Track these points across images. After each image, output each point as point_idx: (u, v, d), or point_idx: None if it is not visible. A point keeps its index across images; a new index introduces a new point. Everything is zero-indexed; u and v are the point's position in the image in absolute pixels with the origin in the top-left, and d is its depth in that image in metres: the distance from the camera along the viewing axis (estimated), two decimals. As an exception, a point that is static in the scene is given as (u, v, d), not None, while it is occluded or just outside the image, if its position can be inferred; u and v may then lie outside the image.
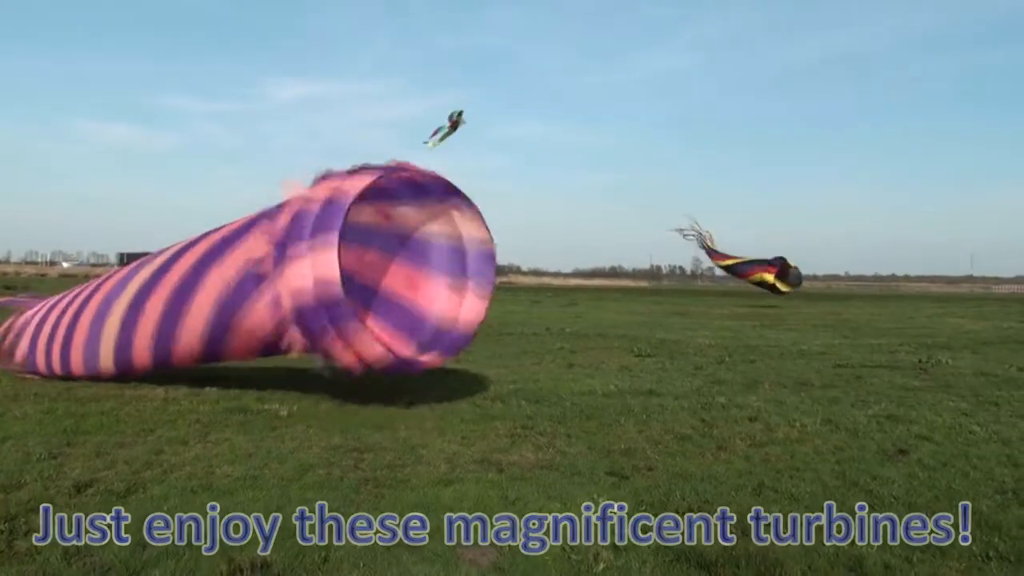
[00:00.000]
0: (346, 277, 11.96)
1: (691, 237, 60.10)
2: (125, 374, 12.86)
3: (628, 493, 7.40)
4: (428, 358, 12.10)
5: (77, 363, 12.99)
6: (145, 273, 12.65)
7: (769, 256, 57.55)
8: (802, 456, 8.96)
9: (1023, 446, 9.66)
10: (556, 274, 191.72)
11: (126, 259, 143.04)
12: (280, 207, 11.39)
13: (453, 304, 12.95)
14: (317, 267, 10.42)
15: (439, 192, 12.55)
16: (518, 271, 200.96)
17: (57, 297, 14.63)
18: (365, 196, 11.63)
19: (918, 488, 7.73)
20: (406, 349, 12.40)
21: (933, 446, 9.59)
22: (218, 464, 8.04)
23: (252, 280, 11.27)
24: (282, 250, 10.79)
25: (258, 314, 11.26)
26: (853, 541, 6.21)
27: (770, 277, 53.42)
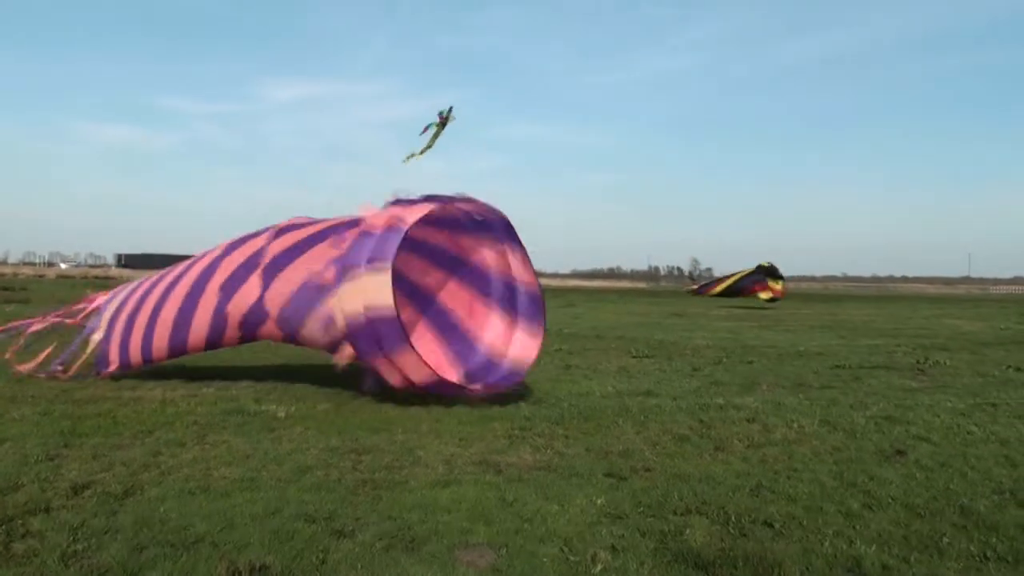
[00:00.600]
0: (411, 286, 13.36)
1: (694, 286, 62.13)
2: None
3: (626, 494, 7.40)
4: (475, 387, 12.28)
5: (160, 348, 13.44)
6: (222, 274, 13.13)
7: (748, 265, 57.08)
8: (800, 457, 8.97)
9: (1021, 447, 9.68)
10: (554, 275, 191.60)
11: (124, 260, 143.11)
12: (350, 225, 12.07)
13: (504, 337, 13.38)
14: (371, 292, 10.97)
15: (497, 229, 13.06)
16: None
17: (129, 292, 14.94)
18: (434, 222, 12.49)
19: (916, 489, 7.74)
20: (453, 375, 12.77)
21: (931, 447, 9.60)
22: (216, 466, 8.03)
23: (315, 291, 11.85)
24: (343, 270, 11.39)
25: (314, 326, 11.89)
26: (851, 541, 6.22)
27: (764, 295, 53.29)
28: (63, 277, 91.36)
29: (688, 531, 6.39)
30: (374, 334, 11.11)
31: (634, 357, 19.01)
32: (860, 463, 8.73)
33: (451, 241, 13.64)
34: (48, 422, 9.90)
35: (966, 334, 29.49)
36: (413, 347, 11.27)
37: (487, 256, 13.50)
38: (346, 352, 11.61)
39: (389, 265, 11.03)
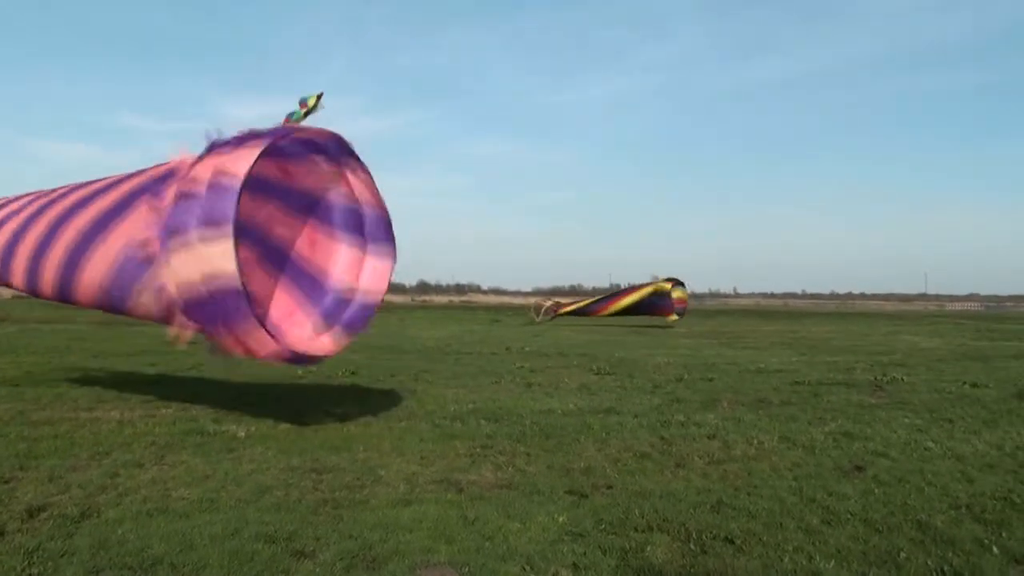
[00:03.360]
0: (246, 227, 11.51)
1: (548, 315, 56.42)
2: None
3: (588, 511, 7.41)
4: (327, 341, 11.67)
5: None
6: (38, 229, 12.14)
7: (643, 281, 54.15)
8: (759, 473, 9.03)
9: (977, 462, 9.79)
10: (516, 292, 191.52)
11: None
12: (165, 179, 10.75)
13: (354, 268, 12.42)
14: (209, 261, 9.71)
15: (332, 150, 11.90)
16: (478, 290, 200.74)
17: None
18: (261, 154, 10.85)
19: (874, 504, 7.81)
20: (306, 322, 11.96)
21: (889, 462, 9.70)
22: (174, 487, 7.95)
23: (137, 265, 10.63)
24: (169, 236, 10.04)
25: (145, 302, 10.77)
26: (811, 557, 6.27)
27: (672, 318, 51.19)
28: (18, 297, 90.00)
29: (649, 548, 6.41)
30: (214, 307, 9.88)
31: (595, 374, 19.04)
32: (819, 479, 8.80)
33: (280, 169, 12.23)
34: (3, 444, 9.75)
35: (923, 350, 29.82)
36: (260, 323, 10.18)
37: (323, 180, 12.29)
38: (184, 329, 10.32)
39: (229, 231, 9.66)
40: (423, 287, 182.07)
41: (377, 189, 12.35)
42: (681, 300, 51.12)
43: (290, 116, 12.45)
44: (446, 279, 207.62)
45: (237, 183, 9.90)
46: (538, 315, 55.16)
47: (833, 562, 6.17)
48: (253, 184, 11.39)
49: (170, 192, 10.34)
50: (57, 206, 12.20)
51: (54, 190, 12.91)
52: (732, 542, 6.60)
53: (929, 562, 6.23)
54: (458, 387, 16.03)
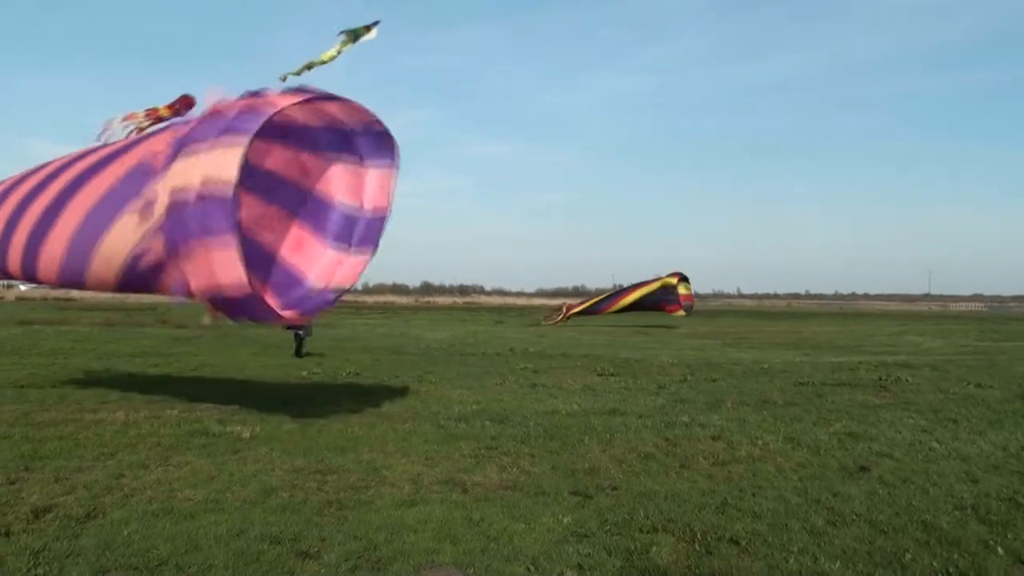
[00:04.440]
0: (243, 228, 11.17)
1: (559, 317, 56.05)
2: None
3: (592, 512, 7.41)
4: (287, 314, 11.60)
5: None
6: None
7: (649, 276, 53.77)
8: (764, 474, 9.02)
9: (982, 462, 9.78)
10: (519, 293, 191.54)
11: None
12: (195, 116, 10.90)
13: (330, 271, 12.42)
14: (213, 166, 9.72)
15: (366, 147, 12.07)
16: (481, 291, 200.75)
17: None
18: (286, 135, 11.23)
19: (879, 505, 7.80)
20: (269, 299, 11.56)
21: (893, 463, 9.69)
22: (179, 488, 7.96)
23: (139, 176, 10.51)
24: (179, 147, 10.11)
25: (132, 216, 10.43)
26: (816, 558, 6.26)
27: (679, 313, 51.02)
28: (23, 299, 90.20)
29: (654, 549, 6.41)
30: (201, 213, 9.68)
31: (600, 375, 19.04)
32: (824, 480, 8.79)
33: (297, 166, 12.36)
34: (8, 445, 9.77)
35: (927, 351, 29.81)
36: (236, 240, 9.82)
37: (333, 179, 12.37)
38: (154, 250, 10.16)
39: (246, 139, 9.76)
40: (426, 288, 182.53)
41: (390, 190, 12.39)
42: (687, 296, 51.05)
43: (349, 34, 12.71)
44: (449, 280, 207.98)
45: (272, 110, 10.16)
46: (548, 319, 55.17)
47: (838, 563, 6.17)
48: (264, 180, 11.95)
49: (197, 119, 10.60)
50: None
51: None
52: (737, 543, 6.60)
53: (934, 563, 6.22)
54: (462, 388, 16.04)
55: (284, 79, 11.85)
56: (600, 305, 53.32)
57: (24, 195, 12.18)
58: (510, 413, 12.77)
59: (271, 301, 11.40)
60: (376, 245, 12.53)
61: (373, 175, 12.34)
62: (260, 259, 12.30)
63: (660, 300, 50.11)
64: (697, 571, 5.98)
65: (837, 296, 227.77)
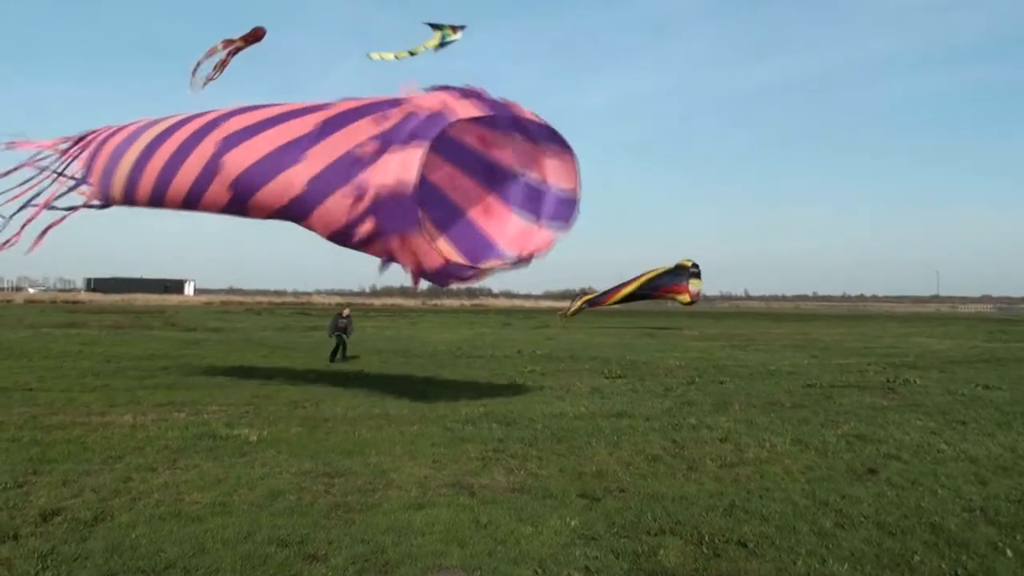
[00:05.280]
0: (437, 191, 13.31)
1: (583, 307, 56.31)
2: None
3: (600, 515, 7.40)
4: (482, 266, 12.63)
5: (144, 187, 12.96)
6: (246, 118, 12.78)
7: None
8: (772, 476, 9.01)
9: (990, 464, 9.76)
10: (527, 296, 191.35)
11: (93, 285, 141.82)
12: (395, 104, 12.07)
13: (520, 241, 13.35)
14: (400, 168, 11.33)
15: (539, 133, 12.98)
16: (489, 294, 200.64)
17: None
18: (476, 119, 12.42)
19: (887, 507, 7.79)
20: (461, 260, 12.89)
21: (901, 465, 9.67)
22: (187, 491, 7.97)
23: (351, 163, 11.82)
24: (385, 145, 11.57)
25: (341, 200, 11.82)
26: (824, 560, 6.25)
27: (683, 297, 50.76)
28: (31, 302, 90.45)
29: (662, 551, 6.41)
30: (395, 208, 11.44)
31: (607, 378, 19.04)
32: (832, 482, 8.78)
33: (482, 141, 13.49)
34: (16, 448, 9.79)
35: (935, 352, 29.75)
36: (422, 227, 11.61)
37: (520, 159, 13.44)
38: (367, 230, 11.74)
39: (425, 145, 11.36)
40: (434, 291, 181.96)
41: (575, 175, 13.36)
42: (696, 294, 50.97)
43: (439, 32, 13.91)
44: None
45: (451, 118, 11.64)
46: (563, 314, 55.52)
47: (847, 565, 6.16)
48: (458, 152, 13.36)
49: (397, 114, 11.89)
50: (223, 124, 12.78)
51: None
52: (745, 545, 6.59)
53: (943, 565, 6.21)
54: (469, 391, 16.05)
55: (373, 57, 14.07)
56: (610, 292, 53.33)
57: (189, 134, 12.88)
58: (517, 416, 12.77)
59: (463, 261, 12.83)
60: (568, 222, 13.36)
61: (552, 156, 13.21)
62: (453, 218, 13.77)
63: (671, 282, 49.85)
64: (705, 574, 5.97)
65: (845, 298, 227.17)
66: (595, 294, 55.81)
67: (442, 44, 14.07)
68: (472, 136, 13.26)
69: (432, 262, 11.76)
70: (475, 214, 13.76)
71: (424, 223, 11.85)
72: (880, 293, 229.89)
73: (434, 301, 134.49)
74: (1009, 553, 6.51)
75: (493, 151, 13.47)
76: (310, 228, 12.56)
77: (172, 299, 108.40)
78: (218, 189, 12.32)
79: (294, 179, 11.93)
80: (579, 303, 55.45)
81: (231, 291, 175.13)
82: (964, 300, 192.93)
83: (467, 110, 11.79)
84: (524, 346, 30.22)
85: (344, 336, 22.92)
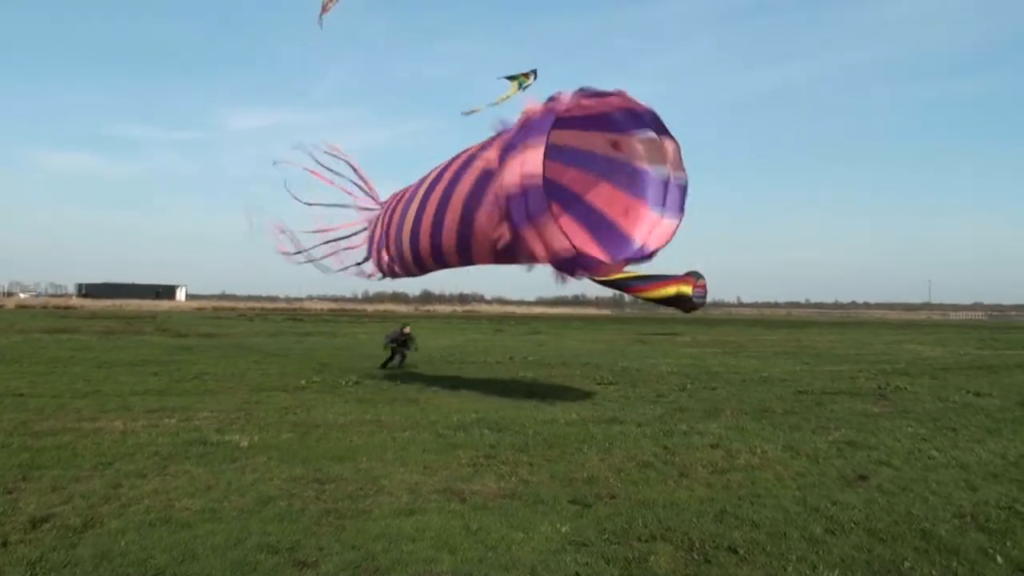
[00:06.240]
0: (574, 196, 15.43)
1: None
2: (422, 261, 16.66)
3: (591, 521, 7.40)
4: (613, 264, 14.02)
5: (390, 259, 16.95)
6: (424, 189, 16.06)
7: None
8: (763, 482, 9.01)
9: (981, 471, 9.78)
10: (520, 302, 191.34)
11: (85, 290, 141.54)
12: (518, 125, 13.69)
13: (648, 232, 14.83)
14: (524, 163, 12.70)
15: (648, 122, 14.18)
16: (482, 300, 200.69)
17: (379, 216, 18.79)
18: (599, 125, 14.23)
19: (878, 513, 7.80)
20: (596, 253, 14.34)
21: (892, 471, 9.69)
22: (177, 497, 7.95)
23: (485, 177, 13.83)
24: (507, 152, 13.18)
25: (487, 210, 13.66)
26: (814, 566, 6.25)
27: (688, 289, 50.75)
28: (23, 307, 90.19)
29: (652, 558, 6.41)
30: (525, 201, 12.73)
31: (599, 384, 19.05)
32: (823, 488, 8.78)
33: (613, 145, 14.89)
34: (6, 454, 9.75)
35: (927, 359, 29.81)
36: (553, 215, 12.69)
37: (646, 156, 14.74)
38: (504, 232, 13.35)
39: (543, 139, 12.67)
40: (426, 297, 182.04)
41: (681, 158, 14.70)
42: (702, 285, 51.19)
43: (516, 79, 15.92)
44: (449, 289, 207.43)
45: (559, 108, 13.04)
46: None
47: (837, 571, 6.16)
48: (592, 161, 15.42)
49: (516, 126, 13.60)
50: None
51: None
52: (736, 552, 6.59)
53: (933, 571, 6.22)
54: (461, 397, 16.05)
55: (467, 113, 15.91)
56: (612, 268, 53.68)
57: (404, 204, 16.88)
58: (509, 422, 12.76)
59: (602, 256, 14.50)
60: (683, 211, 14.92)
61: (668, 144, 14.48)
62: (591, 219, 15.59)
63: (672, 277, 50.10)
64: (695, 580, 5.96)
65: (837, 305, 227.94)
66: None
67: (521, 88, 16.04)
68: (607, 146, 14.92)
69: (563, 247, 12.91)
70: (613, 213, 15.28)
71: (557, 215, 13.31)
72: (872, 300, 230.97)
73: (427, 307, 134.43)
74: (999, 559, 6.52)
75: (626, 152, 14.90)
76: (480, 258, 15.09)
77: (164, 304, 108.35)
78: (449, 260, 15.97)
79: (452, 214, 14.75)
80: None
81: (223, 296, 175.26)
82: (956, 308, 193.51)
83: (569, 99, 13.08)
84: (516, 352, 30.23)
85: (404, 349, 22.75)
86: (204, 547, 6.42)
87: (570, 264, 13.25)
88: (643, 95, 13.67)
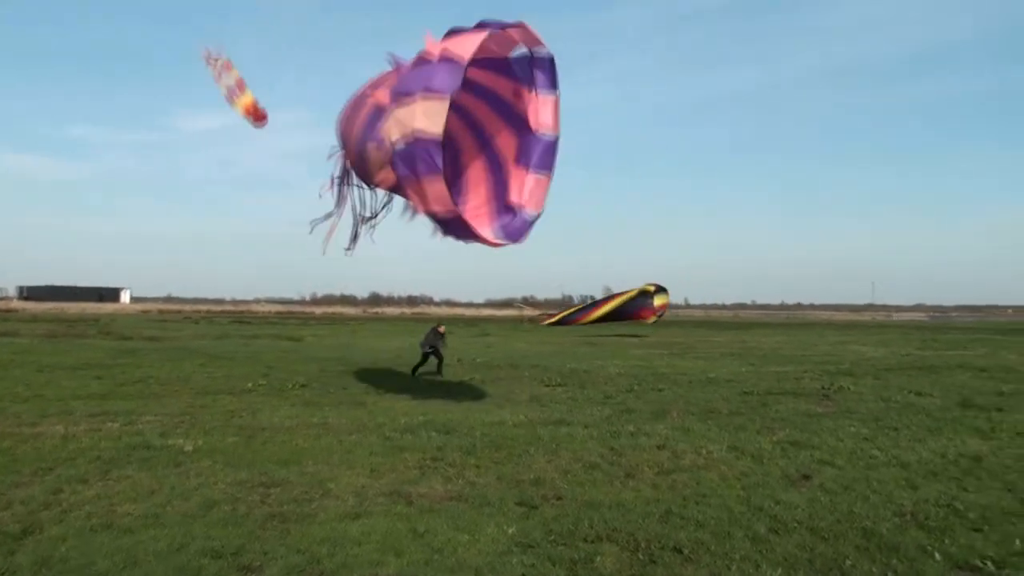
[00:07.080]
0: (488, 136, 14.92)
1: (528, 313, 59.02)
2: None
3: (537, 523, 7.42)
4: (492, 237, 13.45)
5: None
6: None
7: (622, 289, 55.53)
8: (708, 482, 9.09)
9: (921, 469, 9.94)
10: (468, 304, 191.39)
11: (26, 293, 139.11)
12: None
13: (522, 193, 14.40)
14: (423, 118, 12.09)
15: (540, 67, 13.90)
16: (430, 302, 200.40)
17: None
18: (499, 69, 13.80)
19: (820, 512, 7.90)
20: (487, 228, 13.86)
21: (835, 471, 9.82)
22: (119, 502, 7.85)
23: (376, 114, 13.32)
24: (396, 95, 12.64)
25: (373, 150, 13.34)
26: (758, 565, 6.32)
27: (652, 319, 52.66)
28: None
29: (598, 558, 6.44)
30: (414, 157, 12.27)
31: (547, 386, 19.07)
32: (767, 488, 8.88)
33: (515, 95, 14.42)
34: (-57, 460, 9.57)
35: (870, 360, 30.20)
36: (442, 177, 12.37)
37: (536, 113, 14.26)
38: (389, 177, 13.22)
39: (447, 97, 12.10)
40: (375, 299, 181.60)
41: (558, 114, 14.34)
42: (663, 306, 52.61)
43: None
44: (398, 291, 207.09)
45: (463, 63, 12.29)
46: (525, 319, 56.76)
47: (780, 570, 6.24)
48: (489, 97, 14.71)
49: (409, 64, 13.12)
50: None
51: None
52: (681, 552, 6.65)
53: (874, 569, 6.32)
54: (409, 399, 16.00)
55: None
56: (577, 315, 54.99)
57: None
58: (456, 424, 12.75)
59: (493, 223, 14.10)
60: (551, 170, 14.50)
61: (546, 101, 14.19)
62: (494, 164, 15.11)
63: (638, 308, 51.75)
64: (640, 580, 6.00)
65: (783, 306, 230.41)
66: (573, 309, 57.69)
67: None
68: (513, 95, 14.43)
69: (443, 207, 12.61)
70: (507, 164, 14.81)
71: (473, 156, 13.80)
72: (817, 301, 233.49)
73: (375, 309, 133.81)
74: (937, 556, 6.64)
75: (517, 102, 14.46)
76: (379, 186, 14.53)
77: (108, 307, 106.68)
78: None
79: (354, 139, 14.21)
80: (560, 315, 57.28)
81: (169, 299, 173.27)
82: (899, 308, 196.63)
83: (472, 43, 12.39)
84: (464, 354, 30.14)
85: (440, 351, 21.88)
86: (147, 553, 6.36)
87: (447, 225, 13.19)
88: (591, 98, 13.64)
